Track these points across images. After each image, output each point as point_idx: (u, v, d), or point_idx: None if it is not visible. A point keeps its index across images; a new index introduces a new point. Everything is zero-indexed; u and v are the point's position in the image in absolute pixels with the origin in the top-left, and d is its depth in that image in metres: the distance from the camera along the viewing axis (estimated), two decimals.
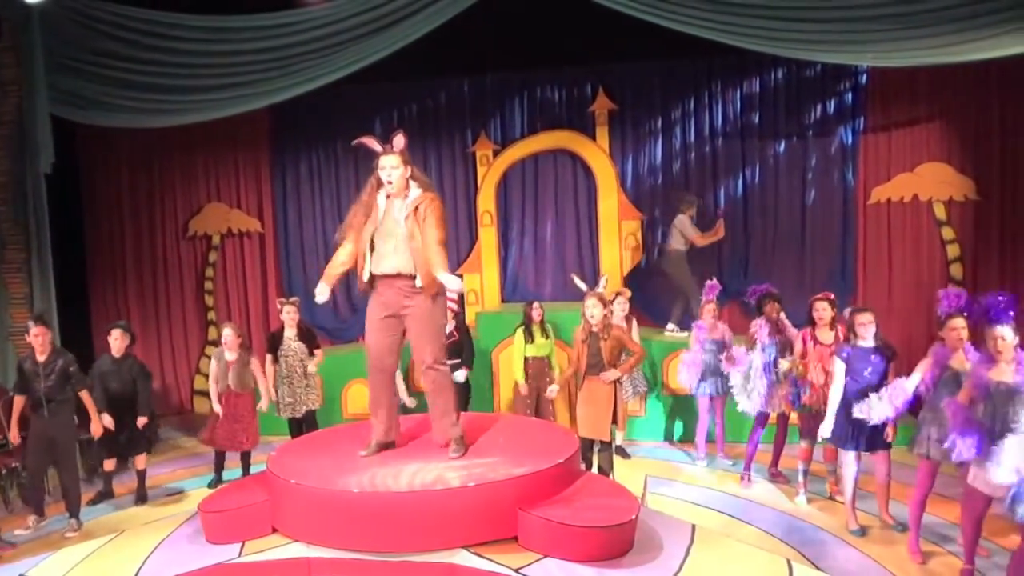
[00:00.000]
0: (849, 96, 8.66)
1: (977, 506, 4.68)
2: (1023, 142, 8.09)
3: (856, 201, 8.71)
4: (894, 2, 6.45)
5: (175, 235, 10.11)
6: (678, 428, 8.15)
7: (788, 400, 6.44)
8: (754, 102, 8.92)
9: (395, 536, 4.12)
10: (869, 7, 6.50)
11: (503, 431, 5.17)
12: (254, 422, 7.14)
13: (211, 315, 10.08)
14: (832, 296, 6.34)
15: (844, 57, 7.17)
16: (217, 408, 7.01)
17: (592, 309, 5.71)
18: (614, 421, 5.94)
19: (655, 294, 9.01)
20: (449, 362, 4.97)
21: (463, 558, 4.08)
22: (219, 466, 7.26)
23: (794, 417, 6.59)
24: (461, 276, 9.22)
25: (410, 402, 7.37)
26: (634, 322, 7.59)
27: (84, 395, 6.35)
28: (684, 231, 8.39)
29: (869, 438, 5.52)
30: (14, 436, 6.30)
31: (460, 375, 7.28)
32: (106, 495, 6.99)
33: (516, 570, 3.98)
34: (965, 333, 5.00)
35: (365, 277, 4.56)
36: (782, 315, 6.69)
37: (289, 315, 7.23)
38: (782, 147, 8.92)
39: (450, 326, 7.08)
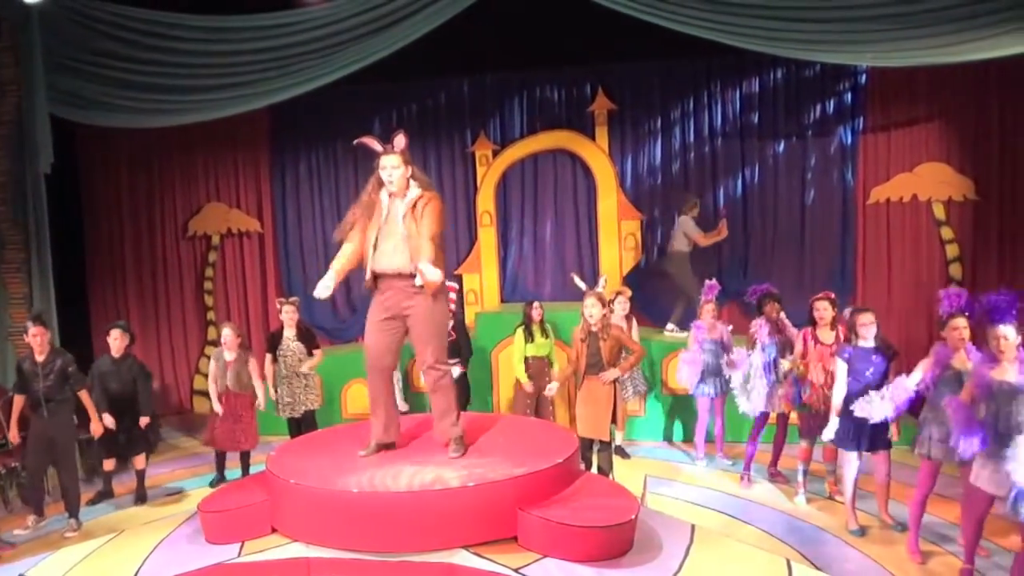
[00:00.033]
0: (848, 96, 8.66)
1: (980, 506, 4.68)
2: (1022, 142, 8.10)
3: (855, 201, 8.71)
4: (893, 2, 6.45)
5: (174, 235, 10.11)
6: (678, 428, 8.15)
7: (788, 400, 6.45)
8: (753, 102, 8.93)
9: (394, 536, 4.12)
10: (868, 7, 6.50)
11: (503, 431, 5.17)
12: (253, 422, 7.14)
13: (211, 315, 10.08)
14: (833, 296, 6.35)
15: (843, 57, 7.17)
16: (217, 408, 7.02)
17: (591, 309, 5.71)
18: (613, 421, 5.95)
19: (654, 294, 9.01)
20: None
21: (462, 558, 4.08)
22: (220, 465, 7.26)
23: (794, 417, 6.60)
24: (460, 276, 9.27)
25: (403, 405, 7.35)
26: (634, 322, 7.60)
27: (83, 395, 6.35)
28: (687, 232, 8.39)
29: (870, 438, 5.52)
30: (13, 436, 6.31)
31: (454, 371, 7.28)
32: (105, 495, 6.99)
33: (516, 570, 3.98)
34: (967, 333, 5.00)
35: (368, 275, 4.57)
36: (782, 315, 6.70)
37: (288, 315, 7.23)
38: (781, 147, 8.92)
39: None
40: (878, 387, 5.33)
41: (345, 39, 7.41)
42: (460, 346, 7.54)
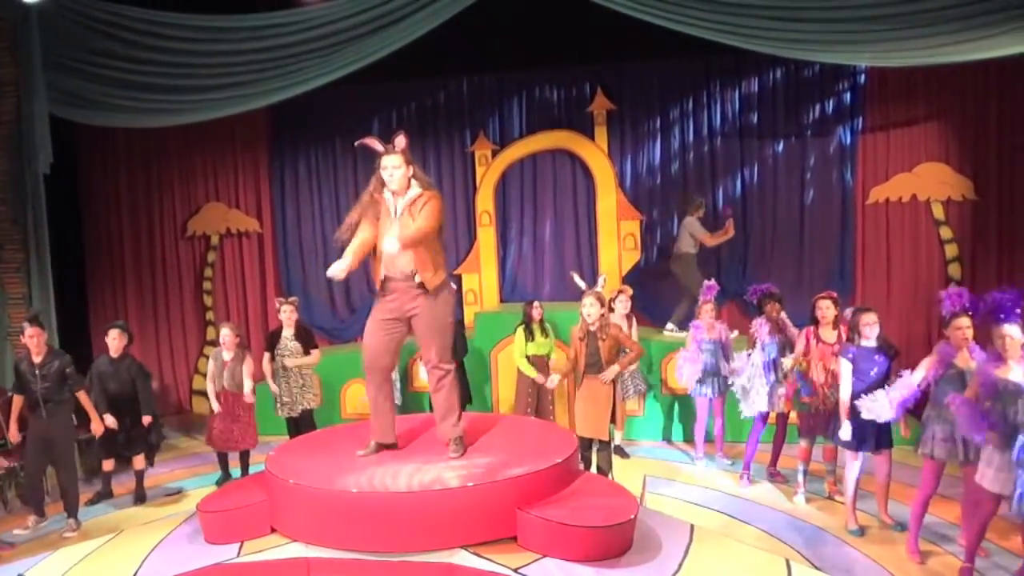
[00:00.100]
0: (848, 96, 8.66)
1: (987, 506, 4.67)
2: (1021, 142, 8.09)
3: (855, 201, 8.70)
4: (892, 2, 6.45)
5: (174, 235, 10.10)
6: (677, 428, 8.15)
7: (789, 399, 6.44)
8: (753, 102, 8.92)
9: (394, 536, 4.12)
10: (867, 7, 6.49)
11: (502, 431, 5.17)
12: (252, 422, 7.13)
13: (210, 315, 10.07)
14: (835, 295, 6.36)
15: (842, 57, 7.16)
16: (215, 406, 7.01)
17: (589, 308, 5.71)
18: (613, 421, 5.95)
19: (654, 294, 9.01)
20: None
21: (462, 558, 4.08)
22: (224, 464, 7.25)
23: (793, 417, 6.60)
24: (459, 276, 9.27)
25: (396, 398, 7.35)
26: (633, 321, 7.60)
27: (82, 396, 6.35)
28: (693, 232, 8.38)
29: (876, 438, 5.51)
30: (13, 435, 6.30)
31: None
32: (105, 495, 6.99)
33: (515, 570, 3.98)
34: (970, 332, 5.00)
35: (377, 278, 4.61)
36: (783, 314, 6.70)
37: (287, 314, 7.24)
38: (781, 147, 8.92)
39: None
40: (881, 387, 5.32)
41: (344, 39, 7.40)
42: (455, 344, 7.53)
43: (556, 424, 7.40)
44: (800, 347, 6.29)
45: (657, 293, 8.98)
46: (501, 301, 9.42)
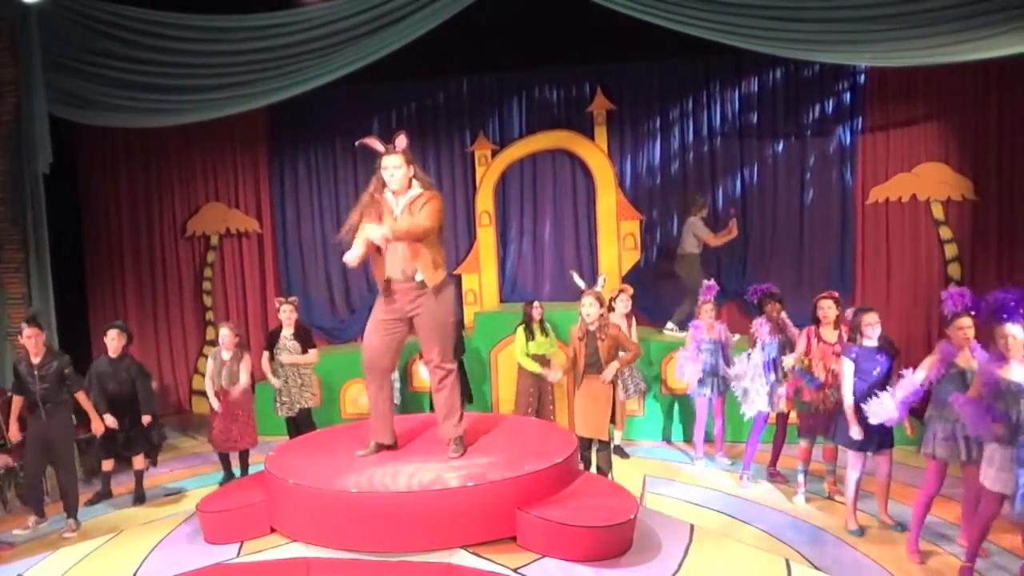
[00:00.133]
0: (847, 96, 8.66)
1: (992, 507, 4.67)
2: (1021, 142, 8.10)
3: (854, 201, 8.70)
4: (892, 2, 6.45)
5: (173, 235, 10.10)
6: (677, 428, 8.15)
7: (789, 398, 6.44)
8: (752, 102, 8.92)
9: (393, 536, 4.12)
10: (867, 7, 6.49)
11: (502, 431, 5.17)
12: (251, 421, 7.13)
13: (209, 315, 10.07)
14: (837, 295, 6.36)
15: (842, 57, 7.16)
16: (215, 404, 7.01)
17: (588, 308, 5.70)
18: (612, 421, 5.95)
19: (654, 294, 9.01)
20: None
21: (461, 558, 4.08)
22: (226, 464, 7.23)
23: (793, 417, 6.60)
24: (459, 276, 9.27)
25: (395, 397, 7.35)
26: (633, 320, 7.60)
27: (81, 396, 6.35)
28: (697, 233, 8.38)
29: (878, 439, 5.51)
30: (13, 434, 6.29)
31: None
32: (104, 495, 6.98)
33: (515, 570, 3.98)
34: (972, 332, 5.00)
35: (382, 280, 4.60)
36: (783, 314, 6.70)
37: (286, 314, 7.24)
38: (780, 147, 8.92)
39: None
40: (883, 386, 5.33)
41: (344, 39, 7.40)
42: (453, 344, 7.53)
43: (556, 424, 7.40)
44: (801, 347, 6.29)
45: (657, 293, 8.99)
46: (501, 301, 9.42)
